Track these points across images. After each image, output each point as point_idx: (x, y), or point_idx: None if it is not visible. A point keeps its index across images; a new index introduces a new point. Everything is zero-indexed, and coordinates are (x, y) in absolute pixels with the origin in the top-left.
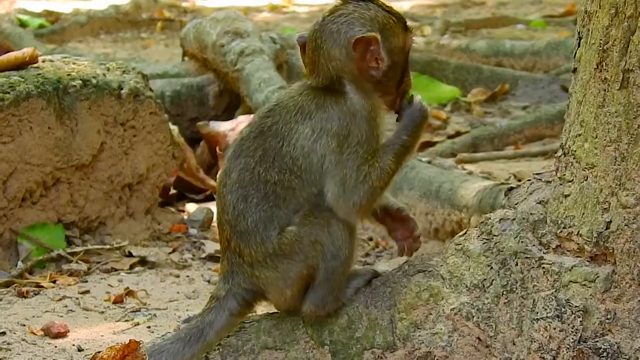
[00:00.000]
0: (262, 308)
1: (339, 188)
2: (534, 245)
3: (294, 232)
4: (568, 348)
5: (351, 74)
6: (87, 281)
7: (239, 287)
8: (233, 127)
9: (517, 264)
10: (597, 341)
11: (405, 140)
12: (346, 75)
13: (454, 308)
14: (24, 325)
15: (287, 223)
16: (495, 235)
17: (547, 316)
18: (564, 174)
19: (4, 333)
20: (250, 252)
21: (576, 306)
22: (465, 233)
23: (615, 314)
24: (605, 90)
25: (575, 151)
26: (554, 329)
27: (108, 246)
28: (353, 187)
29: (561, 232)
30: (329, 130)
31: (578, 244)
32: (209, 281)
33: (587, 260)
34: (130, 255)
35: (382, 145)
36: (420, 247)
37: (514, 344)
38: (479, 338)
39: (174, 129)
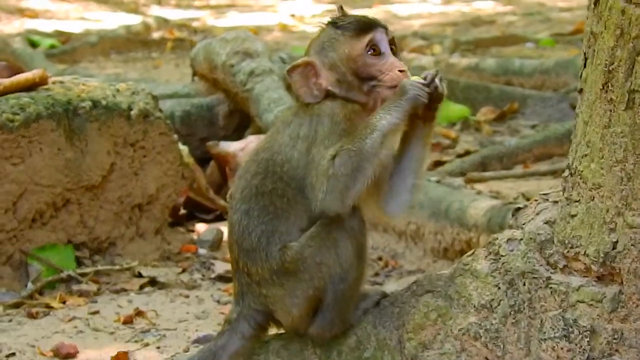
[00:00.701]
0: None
1: (313, 188)
2: (541, 265)
3: (296, 250)
4: None
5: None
6: (96, 302)
7: (250, 309)
8: (243, 147)
9: (524, 284)
10: None
11: (373, 120)
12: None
13: (462, 328)
14: (34, 346)
15: (289, 238)
16: (502, 256)
17: (554, 336)
18: (571, 194)
19: (13, 354)
20: (257, 270)
21: (583, 326)
22: (473, 253)
23: (622, 334)
24: (611, 110)
25: (582, 171)
26: (562, 349)
27: (118, 267)
28: (322, 182)
29: (568, 252)
30: (300, 134)
31: (585, 264)
32: (218, 301)
33: (594, 280)
34: (140, 275)
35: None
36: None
37: None
38: (486, 358)
39: (184, 149)
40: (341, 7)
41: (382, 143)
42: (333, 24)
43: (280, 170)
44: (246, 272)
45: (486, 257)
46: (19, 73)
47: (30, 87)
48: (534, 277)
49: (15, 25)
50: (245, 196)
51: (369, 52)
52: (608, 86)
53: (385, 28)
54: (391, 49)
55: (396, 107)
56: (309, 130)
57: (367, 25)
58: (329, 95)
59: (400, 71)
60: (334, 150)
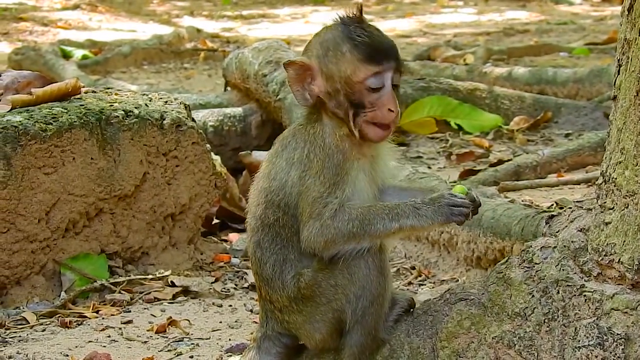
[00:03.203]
0: None
1: (301, 222)
2: (575, 273)
3: (310, 276)
4: None
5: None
6: (130, 311)
7: (274, 331)
8: None
9: (558, 292)
10: None
11: (400, 209)
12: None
13: (496, 336)
14: (67, 355)
15: (301, 266)
16: (536, 263)
17: (589, 344)
18: (605, 202)
19: None
20: (277, 298)
21: (618, 334)
22: (507, 261)
23: None
24: None
25: (616, 179)
26: (596, 357)
27: (151, 276)
28: (306, 221)
29: (602, 259)
30: (294, 159)
31: (619, 271)
32: (251, 311)
33: (629, 288)
34: (173, 285)
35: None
36: None
37: None
38: None
39: (217, 158)
40: (360, 8)
41: (393, 234)
42: (346, 29)
43: (277, 198)
44: (268, 300)
45: (520, 265)
46: (52, 83)
47: (63, 96)
48: (568, 285)
49: (49, 37)
50: (254, 228)
51: (370, 82)
52: None
53: (397, 61)
54: (394, 78)
55: (428, 216)
56: (302, 155)
57: (380, 55)
58: (320, 103)
59: (389, 110)
60: (334, 199)
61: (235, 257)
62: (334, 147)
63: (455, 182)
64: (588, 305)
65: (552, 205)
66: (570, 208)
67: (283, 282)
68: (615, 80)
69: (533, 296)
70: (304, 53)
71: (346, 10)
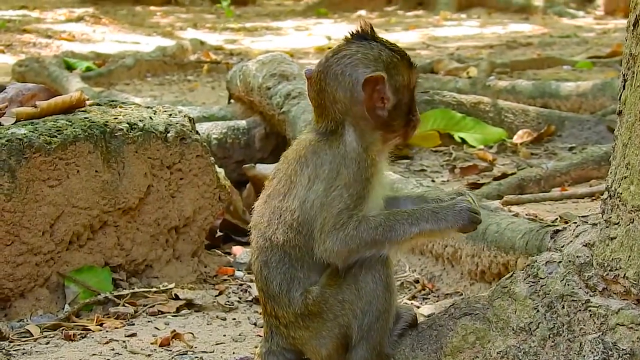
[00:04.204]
0: None
1: (321, 232)
2: (580, 288)
3: (317, 293)
4: None
5: (354, 116)
6: (133, 324)
7: (279, 347)
8: None
9: (563, 307)
10: None
11: (419, 213)
12: (349, 118)
13: (501, 351)
14: None
15: (308, 283)
16: (541, 278)
17: (594, 359)
18: (610, 217)
19: None
20: (283, 314)
21: (623, 349)
22: (512, 276)
23: None
24: None
25: (621, 193)
26: None
27: (155, 289)
28: (328, 231)
29: (607, 274)
30: (320, 175)
31: (624, 286)
32: (255, 324)
33: (634, 303)
34: (176, 298)
35: (393, 210)
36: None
37: None
38: None
39: (220, 171)
40: (370, 25)
41: (411, 239)
42: (378, 43)
43: (290, 217)
44: (274, 316)
45: (525, 279)
46: (56, 96)
47: (67, 109)
48: (573, 300)
49: (52, 49)
50: (261, 247)
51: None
52: None
53: None
54: None
55: (447, 220)
56: (330, 170)
57: (412, 61)
58: (352, 117)
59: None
60: (360, 211)
61: (239, 270)
62: (369, 161)
63: None
64: (593, 320)
65: (556, 219)
66: (575, 223)
67: (290, 299)
68: (621, 95)
69: (538, 311)
70: (334, 80)
71: (360, 27)
